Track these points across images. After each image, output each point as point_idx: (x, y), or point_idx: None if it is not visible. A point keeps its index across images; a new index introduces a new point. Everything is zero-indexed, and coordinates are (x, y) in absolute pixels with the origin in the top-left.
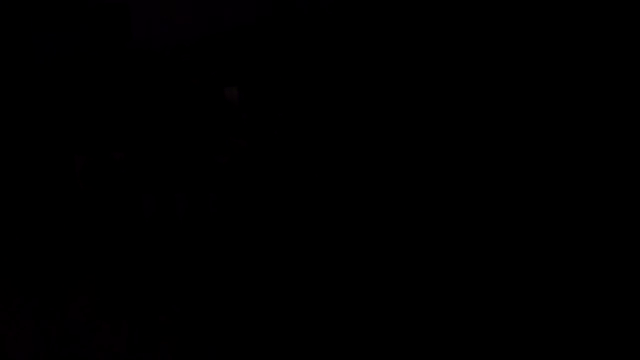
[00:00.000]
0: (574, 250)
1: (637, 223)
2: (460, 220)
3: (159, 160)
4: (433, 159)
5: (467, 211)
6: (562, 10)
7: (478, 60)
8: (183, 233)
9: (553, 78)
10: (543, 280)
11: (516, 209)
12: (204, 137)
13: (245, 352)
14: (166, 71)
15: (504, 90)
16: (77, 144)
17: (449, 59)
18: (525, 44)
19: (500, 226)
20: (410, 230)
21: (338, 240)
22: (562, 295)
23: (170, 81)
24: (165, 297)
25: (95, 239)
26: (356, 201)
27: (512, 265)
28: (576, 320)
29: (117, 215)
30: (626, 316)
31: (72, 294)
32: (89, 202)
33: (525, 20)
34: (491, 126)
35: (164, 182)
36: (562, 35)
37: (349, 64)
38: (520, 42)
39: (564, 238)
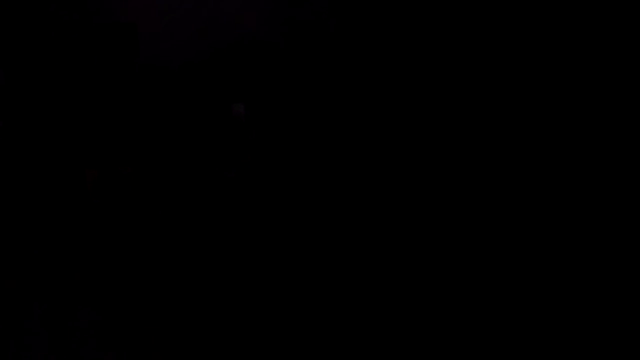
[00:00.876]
0: (574, 250)
1: (637, 223)
2: (458, 222)
3: (167, 174)
4: (432, 173)
5: (466, 213)
6: (561, 10)
7: (470, 86)
8: (190, 244)
9: (552, 78)
10: (543, 280)
11: (515, 208)
12: (211, 153)
13: (244, 357)
14: (174, 88)
15: (501, 91)
16: (89, 159)
17: (454, 74)
18: (521, 43)
19: (499, 226)
20: (411, 241)
21: (340, 249)
22: (561, 295)
23: (178, 97)
24: (171, 304)
25: (105, 247)
26: (358, 212)
27: (511, 264)
28: (576, 320)
29: (125, 226)
30: (626, 316)
31: (82, 299)
32: (99, 214)
33: (522, 19)
34: (488, 127)
35: (172, 195)
36: (562, 35)
37: (355, 81)
38: (516, 40)
39: (564, 238)
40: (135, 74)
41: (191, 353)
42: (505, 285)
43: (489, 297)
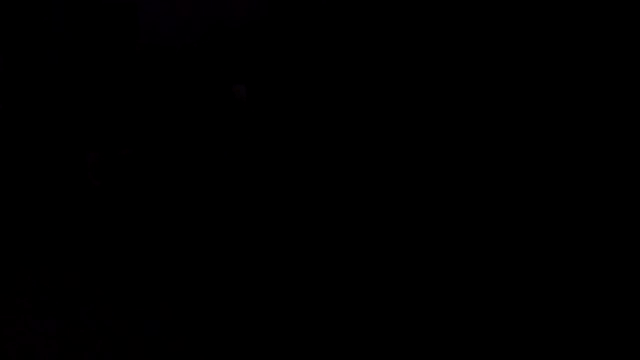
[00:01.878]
0: (574, 250)
1: (637, 223)
2: (458, 220)
3: (168, 156)
4: (431, 163)
5: (465, 212)
6: (562, 10)
7: (472, 72)
8: (190, 226)
9: (552, 78)
10: (543, 280)
11: (514, 208)
12: (212, 134)
13: (242, 355)
14: (175, 69)
15: (501, 90)
16: (89, 141)
17: (454, 62)
18: (521, 42)
19: (499, 226)
20: (410, 232)
21: (338, 238)
22: (562, 295)
23: (179, 79)
24: (171, 298)
25: (107, 233)
26: (358, 200)
27: (510, 265)
28: (576, 320)
29: (126, 210)
30: (626, 316)
31: (87, 293)
32: (100, 197)
33: (522, 18)
34: (488, 126)
35: (172, 177)
36: (562, 35)
37: (354, 62)
38: (516, 40)
39: (564, 238)
40: (136, 55)
41: (192, 345)
42: (506, 285)
43: (489, 296)
